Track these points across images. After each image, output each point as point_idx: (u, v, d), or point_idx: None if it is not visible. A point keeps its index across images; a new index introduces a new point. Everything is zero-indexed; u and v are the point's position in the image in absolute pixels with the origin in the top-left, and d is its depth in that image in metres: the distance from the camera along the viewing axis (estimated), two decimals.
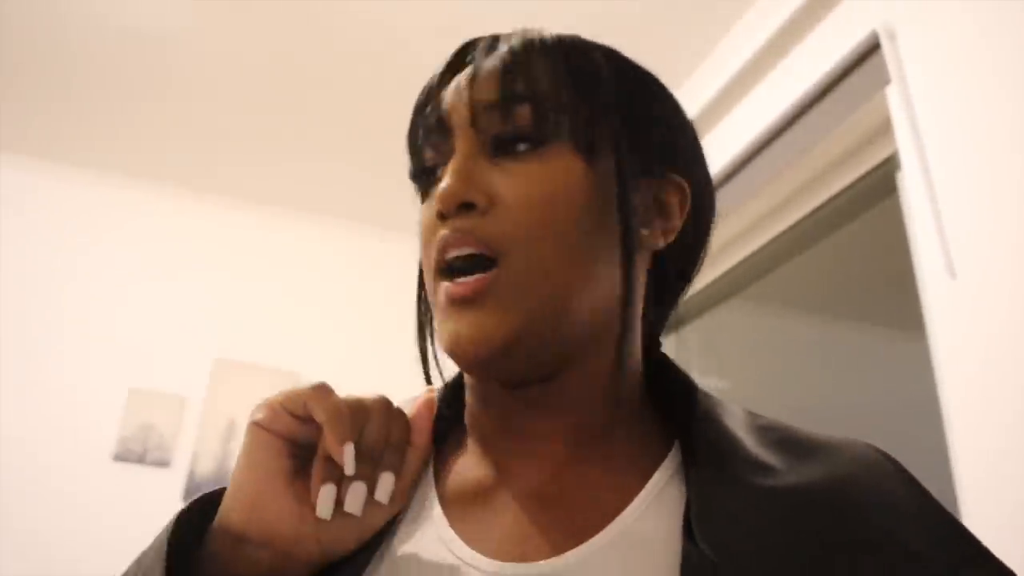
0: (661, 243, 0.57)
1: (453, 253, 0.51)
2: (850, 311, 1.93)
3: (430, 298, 0.55)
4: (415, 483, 0.55)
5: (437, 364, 0.59)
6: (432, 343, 0.59)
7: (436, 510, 0.53)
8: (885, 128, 1.52)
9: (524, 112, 0.52)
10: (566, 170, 0.51)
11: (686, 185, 0.58)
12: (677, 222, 0.57)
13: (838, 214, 1.79)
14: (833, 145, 1.64)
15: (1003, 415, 1.10)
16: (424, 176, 0.57)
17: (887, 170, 1.59)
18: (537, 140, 0.52)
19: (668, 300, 0.62)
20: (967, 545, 0.46)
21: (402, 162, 0.60)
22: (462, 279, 0.50)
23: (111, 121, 2.57)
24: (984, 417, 1.13)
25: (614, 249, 0.53)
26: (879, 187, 1.65)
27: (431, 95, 0.57)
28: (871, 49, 1.45)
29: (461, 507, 0.53)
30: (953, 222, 1.26)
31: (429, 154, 0.56)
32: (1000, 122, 1.20)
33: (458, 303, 0.50)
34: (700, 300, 2.19)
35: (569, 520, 0.50)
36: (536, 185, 0.50)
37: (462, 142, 0.53)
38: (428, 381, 0.58)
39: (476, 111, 0.53)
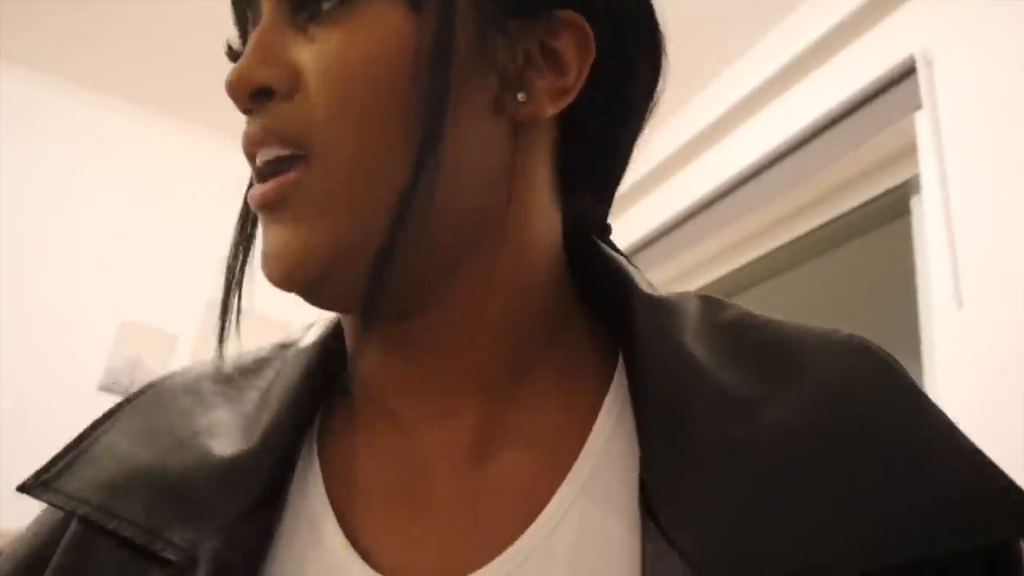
0: (549, 110, 0.41)
1: (260, 157, 0.40)
2: (847, 327, 1.95)
3: None
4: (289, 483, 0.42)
5: (230, 317, 0.44)
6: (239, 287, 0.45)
7: (328, 523, 0.40)
8: (908, 151, 1.54)
9: None
10: (380, 23, 0.38)
11: (586, 25, 0.41)
12: (572, 78, 0.41)
13: (848, 230, 1.81)
14: (853, 161, 1.65)
15: (997, 450, 1.13)
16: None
17: (902, 193, 1.61)
18: None
19: (599, 180, 0.48)
20: (985, 476, 0.36)
21: None
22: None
23: (113, 43, 2.51)
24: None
25: (476, 121, 0.40)
26: (892, 208, 1.66)
27: None
28: (907, 72, 1.46)
29: (360, 511, 0.41)
30: (966, 252, 1.28)
31: (243, 30, 0.44)
32: None
33: (262, 212, 0.40)
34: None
35: (500, 511, 0.39)
36: (340, 52, 0.38)
37: (265, 11, 0.40)
38: (221, 339, 0.43)
39: None
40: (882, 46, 1.56)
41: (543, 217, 0.44)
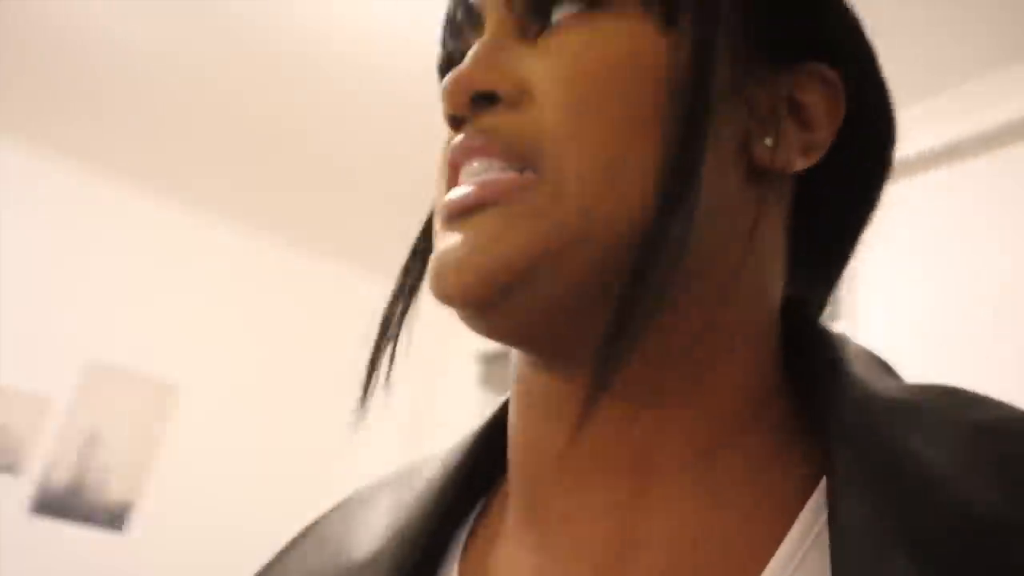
0: (798, 163, 0.38)
1: (472, 170, 0.35)
2: None
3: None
4: None
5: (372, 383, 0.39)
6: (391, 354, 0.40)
7: None
8: None
9: None
10: (626, 36, 0.35)
11: (839, 81, 0.38)
12: (824, 133, 0.38)
13: None
14: None
15: None
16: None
17: None
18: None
19: (825, 258, 0.43)
20: None
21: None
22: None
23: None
24: None
25: (721, 158, 0.35)
26: None
27: None
28: None
29: None
30: None
31: (454, 47, 0.41)
32: None
33: (459, 215, 0.34)
34: None
35: None
36: (580, 61, 0.34)
37: (490, 23, 0.37)
38: (364, 401, 0.39)
39: None
40: None
41: (775, 279, 0.39)
